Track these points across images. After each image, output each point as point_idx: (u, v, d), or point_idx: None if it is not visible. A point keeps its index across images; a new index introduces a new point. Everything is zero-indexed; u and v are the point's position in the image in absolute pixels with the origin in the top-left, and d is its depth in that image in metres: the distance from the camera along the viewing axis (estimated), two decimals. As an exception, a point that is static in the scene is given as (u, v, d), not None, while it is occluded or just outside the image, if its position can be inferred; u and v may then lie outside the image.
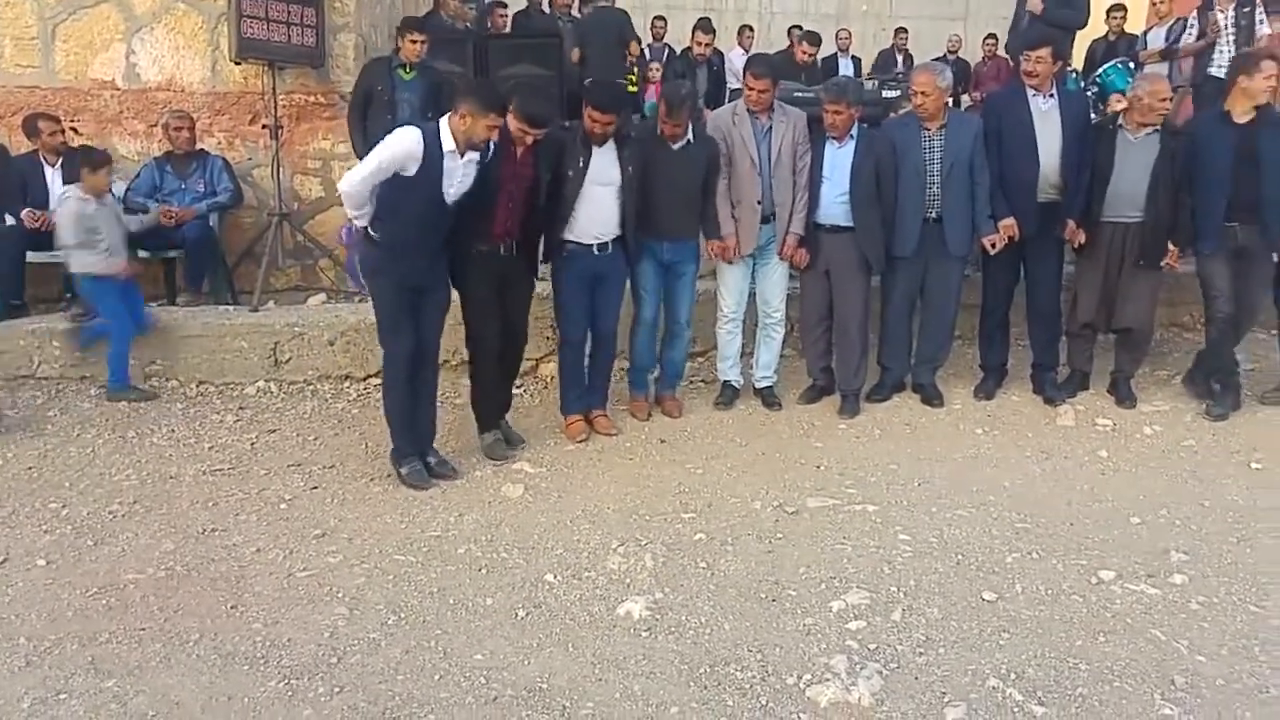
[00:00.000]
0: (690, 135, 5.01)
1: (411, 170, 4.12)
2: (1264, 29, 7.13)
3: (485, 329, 4.67)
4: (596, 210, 4.77)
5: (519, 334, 4.89)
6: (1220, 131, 5.20)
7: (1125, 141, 5.18)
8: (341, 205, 6.64)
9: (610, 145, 4.78)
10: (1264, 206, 5.15)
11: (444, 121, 4.18)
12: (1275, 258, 5.32)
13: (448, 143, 4.14)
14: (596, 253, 4.84)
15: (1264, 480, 4.60)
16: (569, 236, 4.79)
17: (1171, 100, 5.38)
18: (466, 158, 4.21)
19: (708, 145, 5.09)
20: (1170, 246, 5.21)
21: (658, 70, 9.22)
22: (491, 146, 4.33)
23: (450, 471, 4.53)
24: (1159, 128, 5.18)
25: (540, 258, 4.92)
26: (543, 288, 5.06)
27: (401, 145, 4.11)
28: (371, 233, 4.29)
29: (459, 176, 4.23)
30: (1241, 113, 5.16)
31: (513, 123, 4.38)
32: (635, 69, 8.89)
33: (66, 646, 3.18)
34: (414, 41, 6.47)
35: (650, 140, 5.00)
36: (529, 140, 4.44)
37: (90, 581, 3.57)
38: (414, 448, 4.48)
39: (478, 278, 4.57)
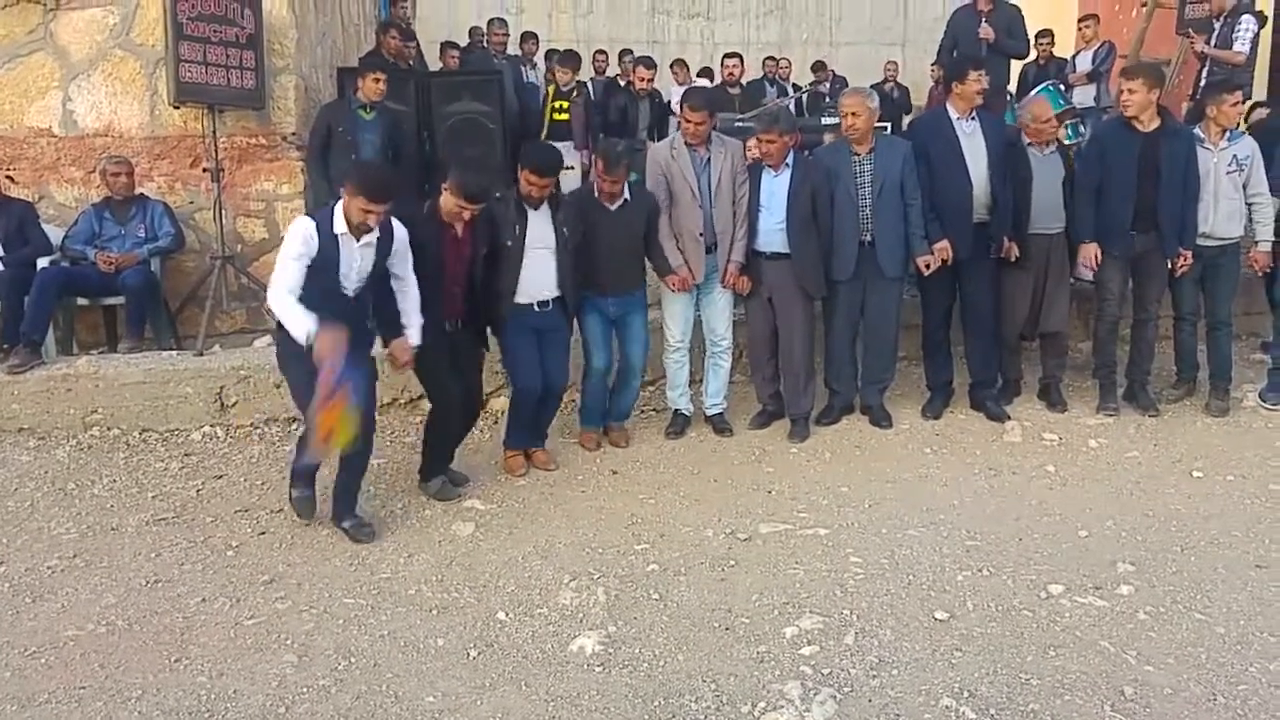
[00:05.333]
0: (627, 194, 5.02)
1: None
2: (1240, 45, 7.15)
3: (447, 395, 4.66)
4: (534, 273, 4.78)
5: (474, 395, 4.93)
6: (1125, 138, 5.34)
7: (1035, 158, 5.39)
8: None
9: (545, 209, 4.78)
10: (1161, 216, 5.29)
11: (338, 206, 4.09)
12: (1169, 265, 5.43)
13: (339, 225, 4.05)
14: (537, 309, 4.85)
15: (1204, 489, 4.69)
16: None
17: (1054, 121, 5.53)
18: (363, 241, 4.10)
19: (645, 201, 5.11)
20: (1093, 250, 5.38)
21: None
22: (396, 234, 4.24)
23: (366, 536, 4.25)
24: (1058, 146, 5.41)
25: (488, 331, 4.95)
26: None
27: (298, 235, 4.02)
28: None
29: (356, 261, 4.13)
30: (1146, 120, 5.30)
31: (450, 201, 4.37)
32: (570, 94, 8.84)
33: (4, 709, 3.09)
34: (375, 80, 6.46)
35: (586, 201, 5.02)
36: (466, 216, 4.41)
37: (28, 640, 3.48)
38: (306, 481, 4.38)
39: (429, 350, 4.47)
